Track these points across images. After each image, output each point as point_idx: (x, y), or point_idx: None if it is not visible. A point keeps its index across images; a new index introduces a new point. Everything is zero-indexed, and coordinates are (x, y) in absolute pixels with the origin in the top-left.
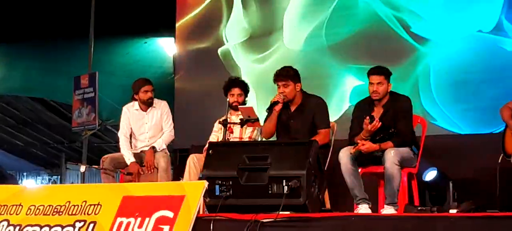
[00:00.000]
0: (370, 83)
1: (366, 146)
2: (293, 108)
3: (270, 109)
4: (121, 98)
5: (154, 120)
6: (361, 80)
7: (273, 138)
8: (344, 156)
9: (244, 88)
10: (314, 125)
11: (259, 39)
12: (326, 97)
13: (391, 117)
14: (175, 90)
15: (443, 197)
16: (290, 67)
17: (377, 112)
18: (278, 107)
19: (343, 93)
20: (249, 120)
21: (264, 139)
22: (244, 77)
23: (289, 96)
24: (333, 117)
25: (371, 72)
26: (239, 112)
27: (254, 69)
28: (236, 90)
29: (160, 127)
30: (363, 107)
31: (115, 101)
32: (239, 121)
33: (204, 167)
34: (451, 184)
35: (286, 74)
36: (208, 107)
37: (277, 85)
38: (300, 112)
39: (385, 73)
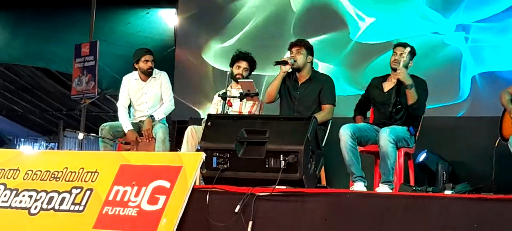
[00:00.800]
0: (394, 52)
1: (402, 74)
2: (300, 81)
3: (276, 63)
4: (121, 69)
5: (153, 90)
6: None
7: (275, 109)
8: (345, 133)
9: (251, 66)
10: (319, 101)
11: None
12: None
13: (404, 91)
14: (175, 62)
15: (435, 179)
16: (307, 40)
17: (389, 85)
18: (285, 68)
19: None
20: (249, 94)
21: (265, 100)
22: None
23: (299, 63)
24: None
25: (397, 45)
26: (239, 86)
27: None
28: (243, 64)
29: (159, 98)
30: (377, 80)
31: (115, 72)
32: (239, 95)
33: (202, 138)
34: (439, 166)
35: (301, 42)
36: (208, 81)
37: (290, 51)
38: (307, 86)
39: (411, 49)
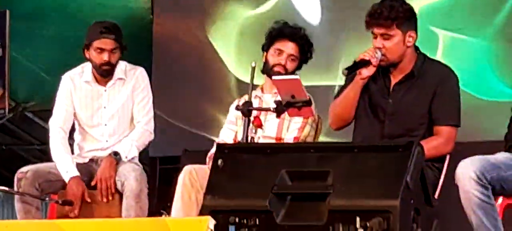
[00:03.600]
0: None
1: None
2: (396, 79)
3: (350, 71)
4: (55, 62)
5: (119, 102)
6: None
7: (346, 135)
8: (467, 173)
9: (304, 51)
10: (430, 117)
11: None
12: None
13: None
14: (154, 46)
15: None
16: (402, 1)
17: None
18: (367, 71)
19: None
20: (294, 102)
21: (332, 126)
22: None
23: (391, 56)
24: None
25: None
26: (275, 90)
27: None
28: (290, 46)
29: (130, 115)
30: None
31: (42, 68)
32: (276, 106)
33: (208, 190)
34: None
35: (388, 15)
36: (217, 80)
37: (372, 33)
38: (409, 88)
39: None
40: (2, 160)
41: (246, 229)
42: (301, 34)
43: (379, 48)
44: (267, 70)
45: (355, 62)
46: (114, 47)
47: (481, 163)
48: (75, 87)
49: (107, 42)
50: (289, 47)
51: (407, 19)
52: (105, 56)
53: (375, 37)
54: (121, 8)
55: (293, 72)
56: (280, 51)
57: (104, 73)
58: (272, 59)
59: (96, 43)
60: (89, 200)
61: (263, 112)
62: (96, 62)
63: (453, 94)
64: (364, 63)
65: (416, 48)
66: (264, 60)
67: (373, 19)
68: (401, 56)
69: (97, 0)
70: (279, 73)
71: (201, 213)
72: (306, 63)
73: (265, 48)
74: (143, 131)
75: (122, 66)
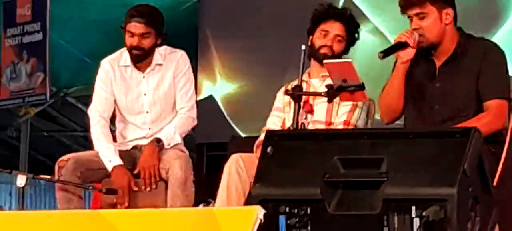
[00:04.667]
0: None
1: None
2: (440, 61)
3: (386, 54)
4: (97, 46)
5: (160, 88)
6: None
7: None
8: None
9: (352, 33)
10: (477, 95)
11: None
12: None
13: None
14: (200, 30)
15: None
16: None
17: None
18: (405, 55)
19: None
20: (346, 86)
21: (383, 120)
22: None
23: (430, 35)
24: None
25: None
26: (326, 72)
27: None
28: (336, 26)
29: (172, 102)
30: None
31: (84, 52)
32: (326, 90)
33: (257, 178)
34: None
35: None
36: (268, 61)
37: (408, 17)
38: (454, 69)
39: None
40: (43, 147)
41: (297, 219)
42: (347, 14)
43: (416, 29)
44: (314, 53)
45: (393, 45)
46: (145, 32)
47: None
48: (115, 73)
49: (137, 26)
50: (335, 28)
51: None
52: (134, 41)
53: (411, 20)
54: None
55: (340, 54)
56: (326, 32)
57: (136, 58)
58: (318, 41)
59: (128, 27)
60: (136, 189)
61: (311, 97)
62: (127, 46)
63: (499, 66)
64: (400, 45)
65: (458, 28)
66: (309, 43)
67: (405, 0)
68: (440, 35)
69: None
70: (326, 55)
71: (250, 202)
72: (353, 45)
73: (311, 31)
74: (187, 117)
75: (162, 51)
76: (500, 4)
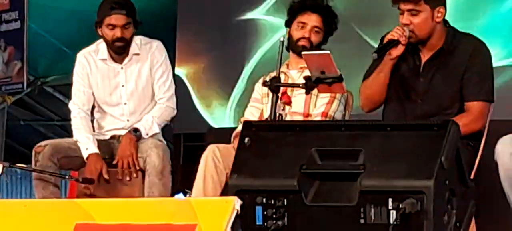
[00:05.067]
0: None
1: None
2: (426, 57)
3: (380, 53)
4: (75, 35)
5: (138, 79)
6: None
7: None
8: (508, 150)
9: (329, 24)
10: (461, 95)
11: None
12: None
13: None
14: (179, 21)
15: None
16: None
17: None
18: (396, 52)
19: None
20: (324, 78)
21: (364, 109)
22: None
23: (420, 32)
24: None
25: None
26: (304, 64)
27: None
28: (313, 18)
29: (150, 94)
30: None
31: (62, 41)
32: (304, 82)
33: (234, 169)
34: None
35: None
36: (242, 54)
37: (399, 10)
38: (439, 65)
39: None
40: (20, 136)
41: (274, 210)
42: (323, 5)
43: (406, 25)
44: (292, 45)
45: (383, 43)
46: (126, 23)
47: None
48: (91, 67)
49: (118, 18)
50: (313, 20)
51: None
52: (117, 33)
53: (402, 13)
54: None
55: (318, 45)
56: (304, 24)
57: (118, 50)
58: (295, 33)
59: (108, 20)
60: (107, 177)
61: (289, 89)
62: (108, 39)
63: (485, 68)
64: (393, 43)
65: (445, 22)
66: (287, 36)
67: None
68: (430, 32)
69: None
70: (304, 47)
71: (227, 192)
72: (331, 35)
73: (288, 23)
74: (165, 107)
75: (137, 41)
76: None
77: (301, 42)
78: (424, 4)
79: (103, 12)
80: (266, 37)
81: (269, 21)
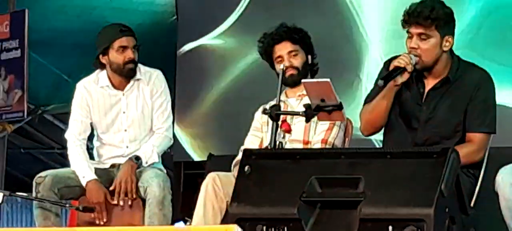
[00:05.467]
0: None
1: None
2: (430, 85)
3: (386, 81)
4: (76, 65)
5: (138, 106)
6: None
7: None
8: (509, 180)
9: (299, 41)
10: (464, 125)
11: None
12: None
13: None
14: (178, 50)
15: None
16: (441, 2)
17: None
18: (401, 79)
19: None
20: (323, 106)
21: (363, 133)
22: None
23: (426, 58)
24: None
25: None
26: (302, 91)
27: None
28: (284, 47)
29: (150, 122)
30: None
31: (62, 70)
32: (303, 109)
33: (234, 197)
34: None
35: (429, 15)
36: (243, 82)
37: (408, 34)
38: (445, 94)
39: None
40: (20, 164)
41: None
42: (285, 29)
43: (414, 48)
44: (283, 80)
45: (389, 70)
46: (135, 45)
47: None
48: (91, 95)
49: (129, 40)
50: (285, 47)
51: (447, 22)
52: (130, 54)
53: (411, 37)
54: (142, 11)
55: (305, 64)
56: (280, 57)
57: (129, 72)
58: (279, 68)
59: (119, 42)
60: (113, 202)
61: (289, 116)
62: (119, 62)
63: (488, 100)
64: (399, 70)
65: (452, 53)
66: (283, 72)
67: (412, 17)
68: (436, 60)
69: (119, 5)
70: (293, 75)
71: (227, 220)
72: (311, 48)
73: (270, 65)
74: (164, 137)
75: (140, 69)
76: None
77: (287, 73)
78: (435, 31)
79: (110, 36)
80: None
81: None
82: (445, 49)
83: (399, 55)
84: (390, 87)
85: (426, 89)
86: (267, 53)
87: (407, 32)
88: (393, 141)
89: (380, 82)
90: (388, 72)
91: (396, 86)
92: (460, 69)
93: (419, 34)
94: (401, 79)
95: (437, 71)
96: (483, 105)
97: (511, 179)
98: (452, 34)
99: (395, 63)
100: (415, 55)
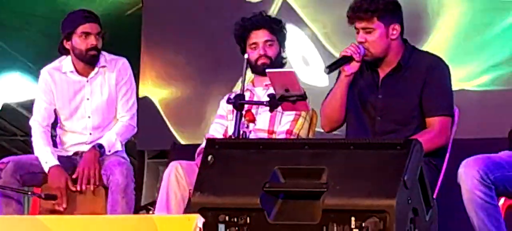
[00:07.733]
0: None
1: None
2: (384, 73)
3: (331, 68)
4: (42, 52)
5: (103, 94)
6: None
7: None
8: (470, 174)
9: (278, 31)
10: (421, 110)
11: None
12: None
13: None
14: (143, 37)
15: None
16: None
17: None
18: (350, 68)
19: None
20: (288, 96)
21: (324, 129)
22: None
23: (375, 50)
24: None
25: None
26: (268, 81)
27: None
28: (260, 34)
29: (114, 109)
30: None
31: (28, 57)
32: (269, 99)
33: (197, 186)
34: None
35: (368, 7)
36: (208, 71)
37: (355, 29)
38: (398, 81)
39: None
40: None
41: (237, 228)
42: (264, 17)
43: (362, 43)
44: (253, 67)
45: (338, 59)
46: (99, 32)
47: (484, 162)
48: (55, 82)
49: (93, 26)
50: (261, 35)
51: (390, 11)
52: (93, 40)
53: (358, 32)
54: (110, 2)
55: (278, 56)
56: (255, 44)
57: (91, 59)
58: (252, 55)
59: (82, 28)
60: (74, 189)
61: (254, 106)
62: (81, 48)
63: (443, 83)
64: (345, 59)
65: (404, 41)
66: (247, 62)
67: (353, 12)
68: (385, 50)
69: None
70: (265, 64)
71: (189, 210)
72: (285, 40)
73: (241, 50)
74: (127, 126)
75: (105, 56)
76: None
77: (260, 62)
78: (378, 22)
79: (75, 21)
80: None
81: None
82: (392, 37)
83: (351, 45)
84: (342, 79)
85: (380, 78)
86: (242, 37)
87: (355, 27)
88: (355, 131)
89: (326, 70)
90: (334, 61)
91: (347, 77)
92: (413, 56)
93: (364, 28)
94: (351, 69)
95: (390, 59)
96: (439, 89)
97: (473, 172)
98: (399, 22)
99: (342, 52)
100: (365, 48)
